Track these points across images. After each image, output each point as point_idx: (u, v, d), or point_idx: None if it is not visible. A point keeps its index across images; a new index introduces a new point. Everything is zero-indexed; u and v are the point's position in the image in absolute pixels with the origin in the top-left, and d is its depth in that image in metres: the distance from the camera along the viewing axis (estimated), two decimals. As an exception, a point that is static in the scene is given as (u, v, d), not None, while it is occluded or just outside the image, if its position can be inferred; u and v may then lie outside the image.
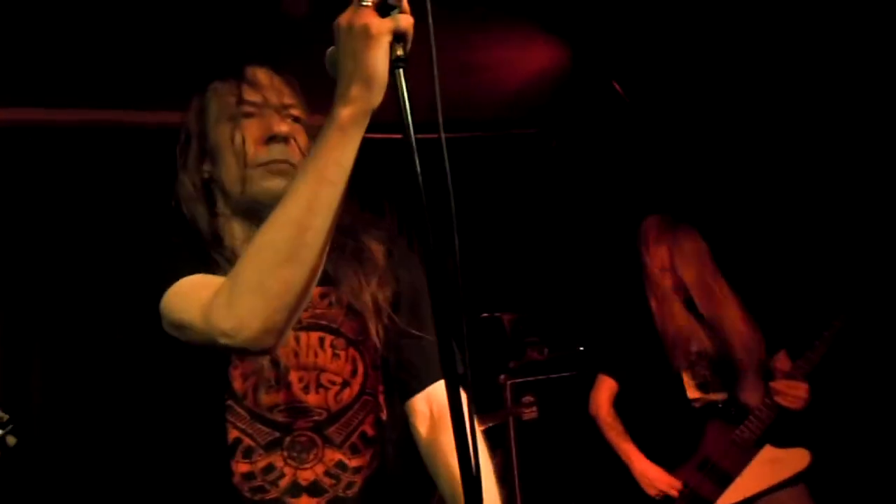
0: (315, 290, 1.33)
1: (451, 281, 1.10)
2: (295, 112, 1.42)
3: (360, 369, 1.42)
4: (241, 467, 1.32)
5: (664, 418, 3.04)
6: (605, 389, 3.19)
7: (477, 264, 4.38)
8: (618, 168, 4.55)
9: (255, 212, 1.35)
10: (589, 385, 3.87)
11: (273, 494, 1.32)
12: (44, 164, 3.88)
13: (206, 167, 1.43)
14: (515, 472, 3.92)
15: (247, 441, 1.33)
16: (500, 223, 4.70)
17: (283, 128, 1.38)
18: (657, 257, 3.05)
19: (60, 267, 3.79)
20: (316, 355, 1.40)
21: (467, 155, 4.63)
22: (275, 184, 1.35)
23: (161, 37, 3.23)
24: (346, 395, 1.40)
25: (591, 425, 3.90)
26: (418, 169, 1.06)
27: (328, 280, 1.41)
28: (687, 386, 2.96)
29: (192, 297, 1.20)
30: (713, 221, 3.25)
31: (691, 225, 3.12)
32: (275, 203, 1.19)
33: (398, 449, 1.46)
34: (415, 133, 1.06)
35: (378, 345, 1.43)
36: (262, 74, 1.42)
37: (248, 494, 1.31)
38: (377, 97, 1.07)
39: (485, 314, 4.24)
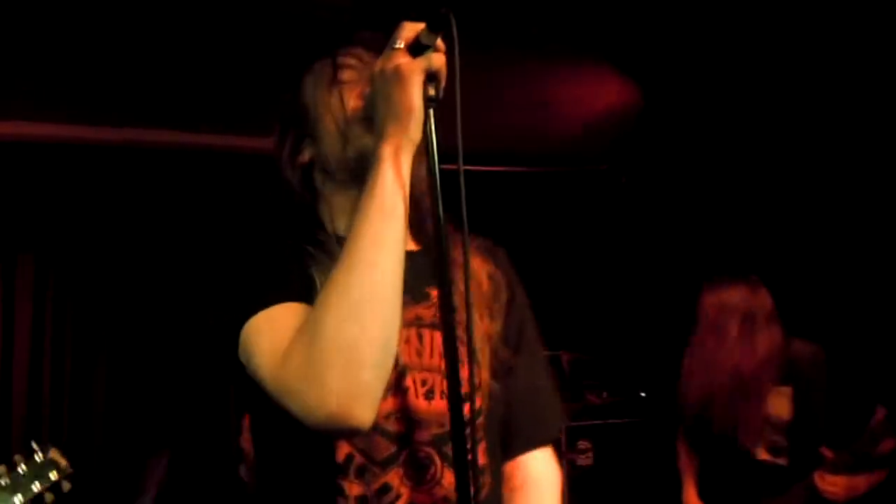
0: (433, 293, 1.26)
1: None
2: None
3: (479, 388, 1.26)
4: (355, 489, 1.15)
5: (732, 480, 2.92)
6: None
7: (539, 300, 4.30)
8: (688, 210, 4.43)
9: (358, 177, 1.18)
10: (650, 432, 3.76)
11: None
12: (142, 181, 4.05)
13: (306, 150, 1.31)
14: (566, 520, 3.81)
15: (359, 458, 1.16)
16: (565, 259, 4.63)
17: None
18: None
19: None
20: (442, 357, 1.19)
21: (537, 189, 4.61)
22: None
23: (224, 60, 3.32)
24: (466, 410, 1.18)
25: (649, 474, 3.78)
26: (440, 209, 1.06)
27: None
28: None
29: (265, 343, 1.07)
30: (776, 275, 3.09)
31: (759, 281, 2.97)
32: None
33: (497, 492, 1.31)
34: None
35: (488, 378, 1.28)
36: (355, 49, 1.29)
37: None
38: (415, 132, 1.08)
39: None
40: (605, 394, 4.08)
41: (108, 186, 3.98)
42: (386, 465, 1.17)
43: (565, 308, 4.48)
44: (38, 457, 1.84)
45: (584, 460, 3.80)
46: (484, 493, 1.23)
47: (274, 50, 3.21)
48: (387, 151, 1.08)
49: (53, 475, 1.84)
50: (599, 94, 3.82)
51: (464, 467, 0.97)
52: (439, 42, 1.08)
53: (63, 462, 1.86)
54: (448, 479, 1.18)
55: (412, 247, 1.29)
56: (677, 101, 3.81)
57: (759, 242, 3.91)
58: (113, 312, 3.92)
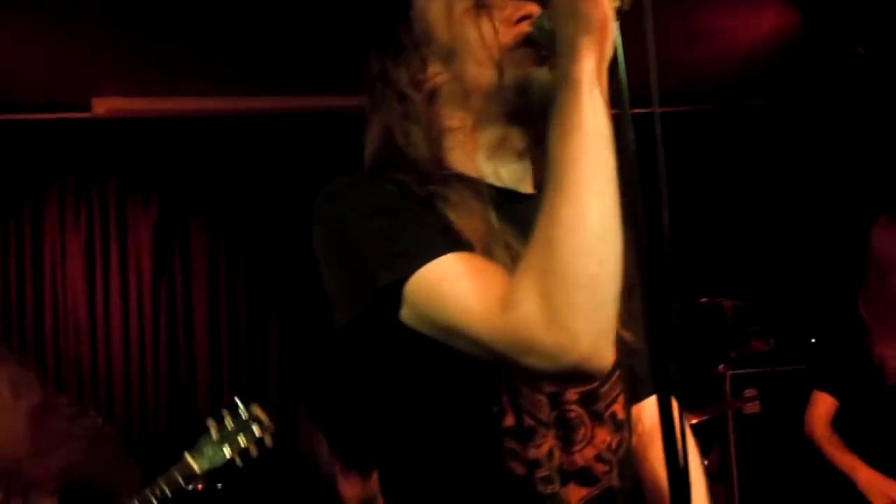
0: None
1: (661, 269, 0.93)
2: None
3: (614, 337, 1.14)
4: (531, 453, 1.06)
5: (889, 438, 2.73)
6: (822, 407, 2.89)
7: (699, 246, 4.16)
8: (855, 145, 4.10)
9: (511, 112, 1.11)
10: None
11: (556, 487, 1.07)
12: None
13: (433, 73, 1.14)
14: (734, 470, 3.69)
15: (528, 421, 1.06)
16: (725, 202, 4.43)
17: (534, 7, 1.11)
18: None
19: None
20: None
21: (692, 128, 4.41)
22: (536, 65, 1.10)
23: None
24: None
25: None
26: (632, 136, 0.94)
27: None
28: None
29: (468, 293, 0.94)
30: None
31: None
32: (540, 92, 1.04)
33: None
34: (634, 104, 0.94)
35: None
36: None
37: (540, 488, 1.06)
38: (610, 48, 0.95)
39: (704, 299, 4.01)
40: (771, 340, 3.90)
41: (270, 154, 4.18)
42: (549, 426, 1.08)
43: (727, 253, 4.30)
44: (243, 413, 1.97)
45: (751, 408, 3.66)
46: (623, 448, 1.16)
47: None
48: (584, 70, 0.93)
49: (257, 431, 1.96)
50: (755, 21, 3.57)
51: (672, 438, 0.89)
52: None
53: (265, 419, 1.97)
54: (600, 437, 1.11)
55: (529, 188, 1.16)
56: (840, 25, 3.52)
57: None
58: (281, 268, 4.11)
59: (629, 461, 1.18)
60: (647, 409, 1.30)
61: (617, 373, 1.15)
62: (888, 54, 3.62)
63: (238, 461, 1.95)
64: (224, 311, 4.07)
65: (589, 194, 0.91)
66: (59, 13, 3.12)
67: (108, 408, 3.86)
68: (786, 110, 4.45)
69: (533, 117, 1.08)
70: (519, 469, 1.05)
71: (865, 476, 2.70)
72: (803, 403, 3.84)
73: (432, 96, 1.13)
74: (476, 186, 1.09)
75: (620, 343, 1.12)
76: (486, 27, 1.10)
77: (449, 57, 1.13)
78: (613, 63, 0.98)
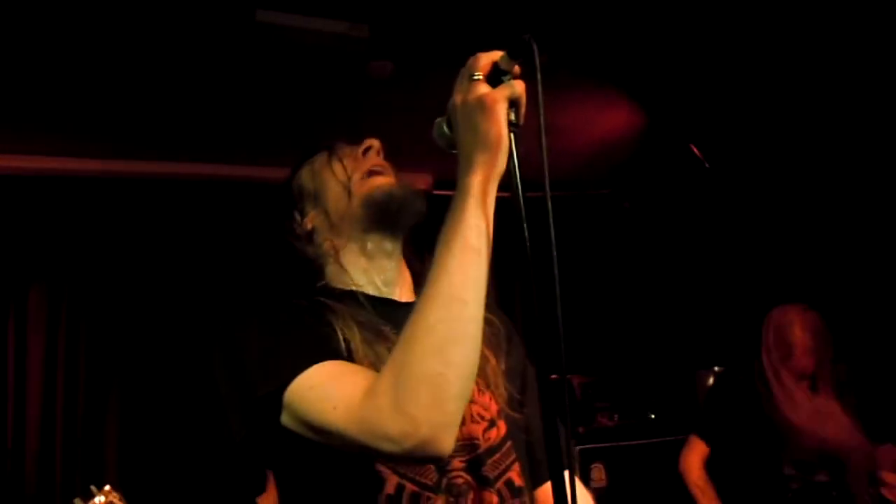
0: None
1: (554, 348, 1.10)
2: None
3: (498, 411, 1.32)
4: None
5: (757, 493, 2.93)
6: (696, 452, 3.09)
7: (546, 325, 4.33)
8: (691, 234, 4.50)
9: (367, 226, 1.34)
10: (660, 454, 3.77)
11: None
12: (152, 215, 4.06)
13: (310, 219, 1.40)
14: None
15: (410, 487, 1.19)
16: (571, 284, 4.65)
17: (373, 140, 1.41)
18: (803, 365, 2.95)
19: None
20: None
21: (541, 214, 4.64)
22: (378, 181, 1.35)
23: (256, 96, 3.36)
24: (494, 434, 1.29)
25: (661, 495, 3.79)
26: (527, 234, 1.09)
27: None
28: (784, 464, 2.85)
29: (333, 394, 1.07)
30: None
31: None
32: (382, 202, 1.30)
33: None
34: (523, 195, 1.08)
35: (507, 407, 1.35)
36: (350, 146, 1.44)
37: None
38: (502, 163, 1.08)
39: (554, 376, 4.17)
40: (616, 416, 4.10)
41: (120, 218, 3.99)
42: (435, 490, 1.20)
43: (573, 332, 4.50)
44: (99, 499, 1.82)
45: (597, 482, 3.81)
46: None
47: (284, 82, 3.27)
48: (474, 183, 1.07)
49: None
50: (603, 118, 3.86)
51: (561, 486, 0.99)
52: (517, 68, 1.09)
53: None
54: (487, 499, 1.22)
55: (406, 293, 1.37)
56: (681, 125, 3.88)
57: (765, 265, 3.98)
58: (126, 344, 3.90)
59: None
60: (545, 494, 1.35)
61: (508, 443, 1.29)
62: (722, 155, 4.03)
63: None
64: (60, 388, 3.76)
65: (451, 302, 1.04)
66: None
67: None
68: (627, 200, 4.81)
69: (391, 222, 1.34)
70: None
71: None
72: (646, 476, 4.06)
73: (310, 235, 1.40)
74: (356, 298, 1.30)
75: (511, 420, 1.32)
76: (338, 168, 1.38)
77: (316, 200, 1.40)
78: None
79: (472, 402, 1.27)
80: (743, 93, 3.46)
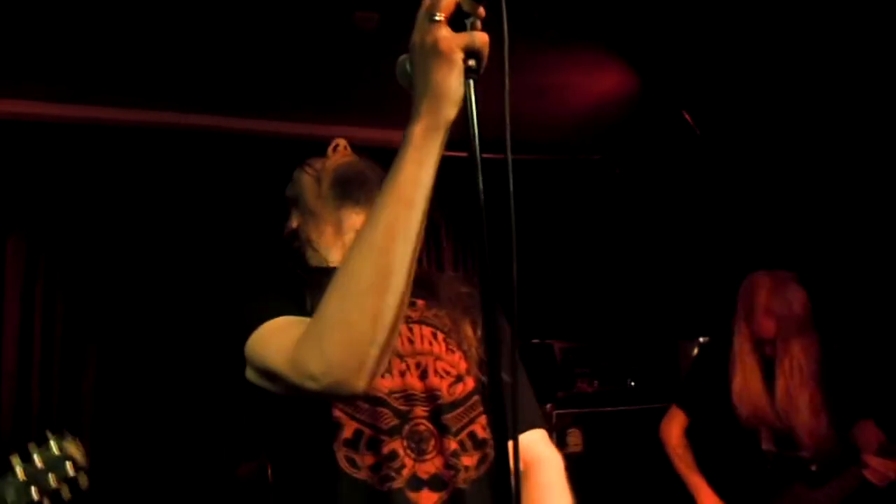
0: (420, 302, 1.44)
1: (507, 307, 1.07)
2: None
3: (470, 371, 1.39)
4: (367, 459, 1.26)
5: (735, 463, 2.94)
6: (676, 420, 3.09)
7: (531, 288, 4.33)
8: (681, 200, 4.45)
9: (336, 205, 1.46)
10: (638, 421, 3.77)
11: (398, 484, 1.25)
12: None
13: (294, 217, 1.55)
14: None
15: (368, 431, 1.27)
16: (558, 248, 4.64)
17: (346, 154, 1.55)
18: (762, 327, 2.90)
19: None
20: (430, 344, 1.39)
21: (530, 177, 4.60)
22: (342, 160, 1.50)
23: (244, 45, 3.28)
24: (460, 389, 1.36)
25: (637, 462, 3.81)
26: (481, 186, 1.01)
27: (435, 301, 1.47)
28: (763, 438, 2.85)
29: (276, 342, 1.16)
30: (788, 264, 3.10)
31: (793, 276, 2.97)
32: (347, 175, 1.44)
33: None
34: (481, 150, 1.00)
35: (477, 368, 1.42)
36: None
37: (377, 486, 1.25)
38: (450, 113, 1.03)
39: (535, 340, 4.16)
40: (596, 382, 4.10)
41: (99, 168, 3.92)
42: (392, 433, 1.28)
43: (557, 297, 4.50)
44: (55, 448, 1.74)
45: (572, 447, 3.81)
46: (486, 465, 1.34)
47: (270, 34, 3.19)
48: (416, 132, 1.04)
49: (70, 469, 1.74)
50: (594, 81, 3.79)
51: (503, 441, 0.99)
52: (481, 10, 1.01)
53: (79, 455, 1.75)
54: (447, 446, 1.30)
55: None
56: (674, 88, 3.81)
57: (754, 234, 3.94)
58: (104, 299, 3.85)
59: (488, 476, 1.33)
60: (523, 446, 1.35)
61: (475, 398, 1.38)
62: (714, 121, 3.97)
63: None
64: (38, 336, 3.72)
65: (373, 251, 1.06)
66: None
67: None
68: (618, 166, 4.75)
69: (358, 193, 1.45)
70: (359, 473, 1.25)
71: (707, 499, 2.88)
72: (623, 443, 4.07)
73: (295, 232, 1.53)
74: (329, 271, 1.29)
75: (480, 380, 1.40)
76: (309, 168, 1.52)
77: (297, 202, 1.54)
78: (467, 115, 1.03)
79: (438, 358, 1.38)
80: (737, 58, 3.40)
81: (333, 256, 1.44)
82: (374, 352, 1.06)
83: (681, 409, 3.08)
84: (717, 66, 3.47)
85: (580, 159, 4.71)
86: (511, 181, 1.03)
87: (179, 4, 2.94)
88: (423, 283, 1.46)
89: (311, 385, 1.08)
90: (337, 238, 1.46)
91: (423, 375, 1.34)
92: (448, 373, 1.37)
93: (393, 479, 1.25)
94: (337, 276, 1.08)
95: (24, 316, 3.73)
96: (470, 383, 1.38)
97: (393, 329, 1.07)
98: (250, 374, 1.21)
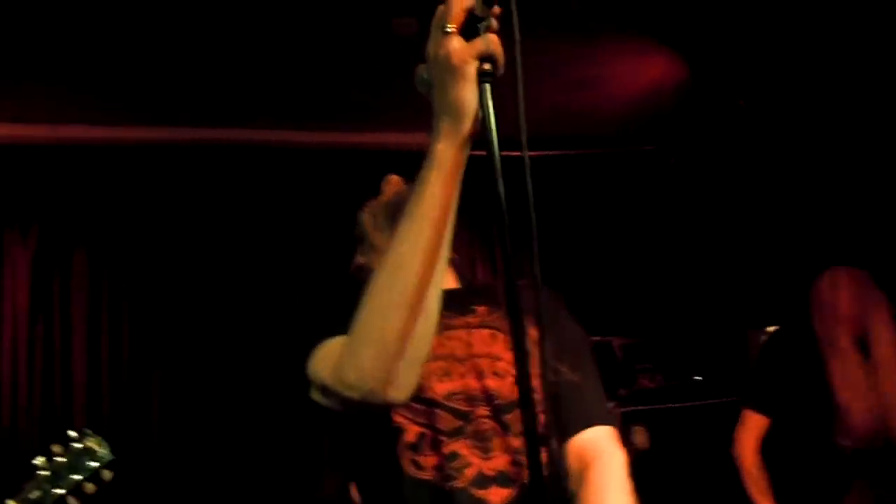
0: (481, 309, 1.47)
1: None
2: None
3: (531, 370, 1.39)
4: (430, 460, 1.30)
5: (811, 462, 2.82)
6: (752, 429, 2.89)
7: (589, 285, 4.26)
8: (739, 189, 4.32)
9: (391, 233, 1.45)
10: (706, 417, 3.66)
11: (460, 484, 1.28)
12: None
13: (359, 251, 1.63)
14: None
15: (430, 434, 1.31)
16: (614, 243, 4.56)
17: (398, 186, 1.60)
18: (849, 322, 2.80)
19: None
20: (489, 346, 1.41)
21: (581, 172, 4.54)
22: (391, 189, 1.58)
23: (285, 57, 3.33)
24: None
25: (704, 460, 3.70)
26: (502, 190, 1.01)
27: (496, 306, 1.48)
28: (838, 431, 2.72)
29: (326, 359, 1.21)
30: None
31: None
32: (398, 202, 1.43)
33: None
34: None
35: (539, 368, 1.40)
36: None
37: (441, 485, 1.29)
38: (466, 127, 1.04)
39: (596, 337, 4.10)
40: (658, 378, 4.01)
41: (157, 186, 4.05)
42: (453, 435, 1.31)
43: (616, 293, 4.42)
44: (76, 445, 1.79)
45: (638, 445, 3.74)
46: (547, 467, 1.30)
47: (309, 43, 3.23)
48: (437, 150, 1.05)
49: (92, 464, 1.78)
50: (643, 71, 3.71)
51: (533, 436, 1.02)
52: (496, 9, 1.00)
53: (101, 450, 1.79)
54: (512, 445, 1.31)
55: (453, 285, 1.53)
56: (725, 74, 3.70)
57: (821, 219, 3.81)
58: (169, 310, 3.97)
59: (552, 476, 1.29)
60: (586, 443, 1.38)
61: (537, 395, 1.30)
62: (772, 105, 3.84)
63: (73, 502, 1.76)
64: (105, 352, 3.85)
65: (396, 269, 1.09)
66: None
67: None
68: (673, 156, 4.65)
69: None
70: (424, 474, 1.29)
71: None
72: (689, 439, 3.95)
73: (360, 268, 1.59)
74: None
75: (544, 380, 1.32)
76: (367, 208, 1.60)
77: (361, 240, 1.61)
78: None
79: (497, 359, 1.39)
80: (790, 36, 3.27)
81: None
82: (403, 364, 1.11)
83: (756, 411, 2.91)
84: (770, 46, 3.35)
85: (632, 151, 4.62)
86: (528, 179, 1.05)
87: (220, 19, 3.00)
88: (486, 291, 1.53)
89: (352, 395, 1.14)
90: None
91: (481, 376, 1.37)
92: (508, 372, 1.37)
93: (456, 478, 1.28)
94: (367, 292, 1.12)
95: (90, 331, 3.87)
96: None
97: (424, 344, 1.12)
98: (314, 394, 1.26)
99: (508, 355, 1.38)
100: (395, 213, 1.44)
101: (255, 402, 3.91)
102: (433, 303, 1.12)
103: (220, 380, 3.92)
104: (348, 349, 1.14)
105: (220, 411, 3.89)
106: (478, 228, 4.28)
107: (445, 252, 1.11)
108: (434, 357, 1.36)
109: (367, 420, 1.31)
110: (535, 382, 1.33)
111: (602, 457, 1.38)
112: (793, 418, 2.82)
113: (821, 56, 3.36)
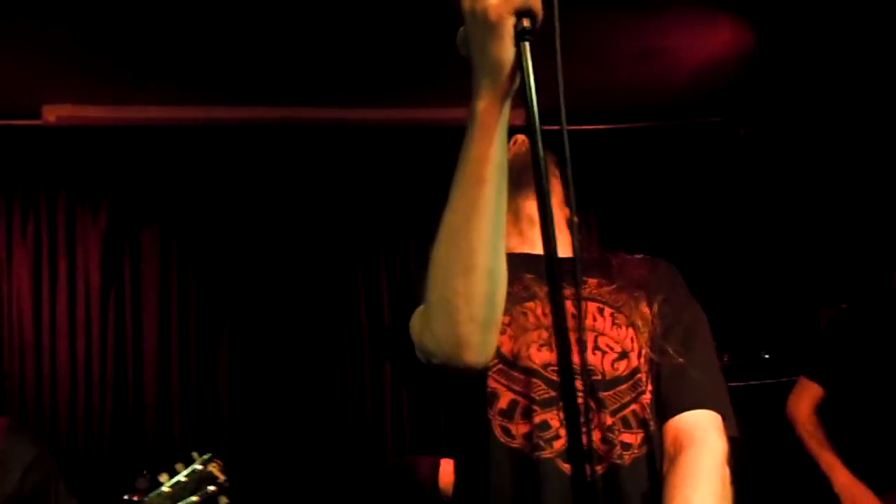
0: (592, 281, 1.44)
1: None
2: None
3: (637, 347, 1.38)
4: (522, 428, 1.30)
5: (873, 436, 2.73)
6: (807, 394, 2.89)
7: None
8: (816, 158, 4.15)
9: (513, 183, 1.33)
10: (774, 396, 3.56)
11: (548, 454, 1.28)
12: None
13: None
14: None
15: (523, 402, 1.31)
16: (681, 218, 4.45)
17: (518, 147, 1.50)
18: None
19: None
20: (595, 319, 1.39)
21: (647, 145, 4.43)
22: (517, 149, 1.46)
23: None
24: (623, 365, 1.36)
25: (773, 439, 3.60)
26: (541, 153, 0.98)
27: (608, 279, 1.46)
28: None
29: (413, 326, 1.25)
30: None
31: None
32: (524, 160, 1.31)
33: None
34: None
35: (648, 346, 1.39)
36: None
37: (529, 454, 1.29)
38: (508, 85, 1.03)
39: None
40: (725, 356, 3.91)
41: (225, 164, 4.13)
42: (545, 405, 1.29)
43: (682, 269, 4.31)
44: (198, 467, 1.90)
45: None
46: (648, 445, 1.33)
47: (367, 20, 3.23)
48: (479, 109, 1.05)
49: (211, 488, 1.89)
50: (710, 40, 3.59)
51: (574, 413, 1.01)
52: None
53: (221, 476, 1.90)
54: (605, 422, 1.30)
55: (567, 253, 1.38)
56: (795, 42, 3.55)
57: (888, 197, 3.64)
58: (236, 281, 4.05)
59: (651, 456, 1.33)
60: (683, 427, 1.34)
61: (639, 376, 1.36)
62: (842, 74, 3.67)
63: None
64: (175, 323, 3.97)
65: (454, 236, 1.10)
66: (10, 18, 3.05)
67: (53, 422, 3.75)
68: (742, 127, 4.49)
69: (528, 184, 1.30)
70: (513, 442, 1.29)
71: (842, 479, 2.70)
72: (755, 419, 3.85)
73: None
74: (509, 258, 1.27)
75: (648, 357, 1.38)
76: None
77: None
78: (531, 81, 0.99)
79: (600, 333, 1.37)
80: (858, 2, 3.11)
81: (511, 243, 1.46)
82: (473, 328, 1.12)
83: (814, 381, 2.88)
84: (842, 8, 3.18)
85: (699, 123, 4.48)
86: (567, 148, 1.03)
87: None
88: (598, 263, 1.51)
89: (435, 360, 1.18)
90: (514, 226, 1.49)
91: (582, 350, 1.33)
92: (611, 348, 1.36)
93: (544, 448, 1.27)
94: (431, 261, 1.15)
95: (161, 304, 3.99)
96: (634, 360, 1.36)
97: (491, 304, 1.13)
98: (418, 353, 1.26)
99: (614, 332, 1.38)
100: (518, 173, 1.34)
101: (322, 379, 3.99)
102: (497, 263, 1.12)
103: (288, 356, 4.00)
104: (423, 318, 1.18)
105: (287, 387, 3.97)
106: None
107: (502, 211, 1.10)
108: (536, 325, 1.36)
109: (464, 384, 1.31)
110: (638, 360, 1.36)
111: (696, 442, 1.32)
112: (850, 393, 2.80)
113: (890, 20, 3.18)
